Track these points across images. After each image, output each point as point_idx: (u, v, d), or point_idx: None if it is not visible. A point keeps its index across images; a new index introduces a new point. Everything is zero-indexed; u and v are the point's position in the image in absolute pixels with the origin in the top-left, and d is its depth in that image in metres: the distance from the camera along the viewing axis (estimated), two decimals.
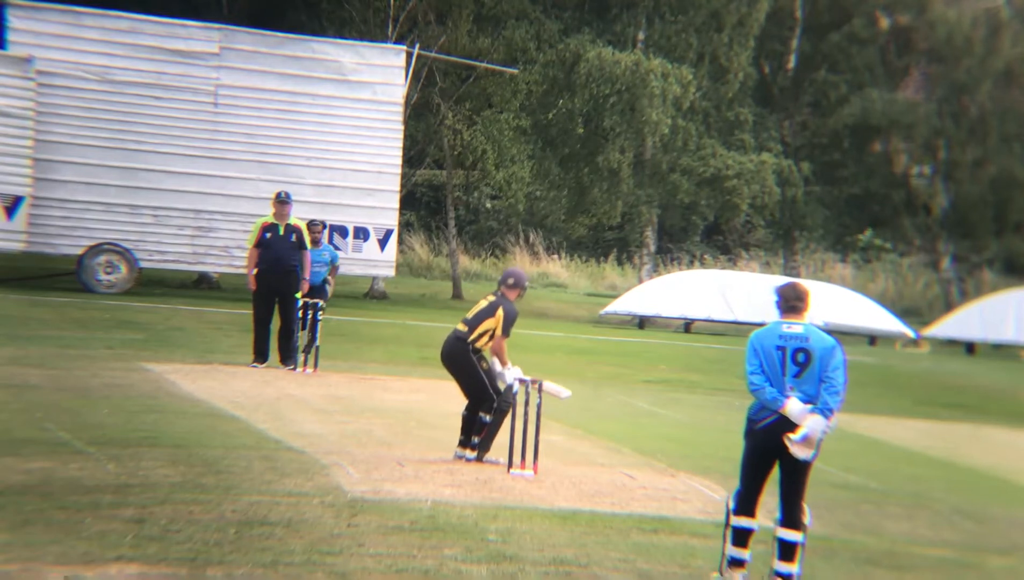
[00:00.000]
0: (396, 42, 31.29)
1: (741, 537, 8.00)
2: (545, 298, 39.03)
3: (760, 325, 8.11)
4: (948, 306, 41.28)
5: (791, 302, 8.15)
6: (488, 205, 48.86)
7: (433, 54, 31.99)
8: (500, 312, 11.08)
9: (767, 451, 7.99)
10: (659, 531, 9.18)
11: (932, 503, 11.89)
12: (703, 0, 37.79)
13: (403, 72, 28.58)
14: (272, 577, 7.33)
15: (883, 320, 33.62)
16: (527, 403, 10.70)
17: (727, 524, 8.06)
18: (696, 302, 32.17)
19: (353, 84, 27.84)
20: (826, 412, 7.88)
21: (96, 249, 25.85)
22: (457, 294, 35.33)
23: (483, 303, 11.30)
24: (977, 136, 44.31)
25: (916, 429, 17.52)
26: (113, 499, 8.71)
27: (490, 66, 33.84)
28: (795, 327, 8.06)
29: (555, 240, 47.35)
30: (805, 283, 8.31)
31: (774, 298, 8.25)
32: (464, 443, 11.25)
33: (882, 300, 38.08)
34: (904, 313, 37.68)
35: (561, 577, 7.93)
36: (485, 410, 11.13)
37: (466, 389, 11.28)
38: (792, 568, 7.98)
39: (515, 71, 34.36)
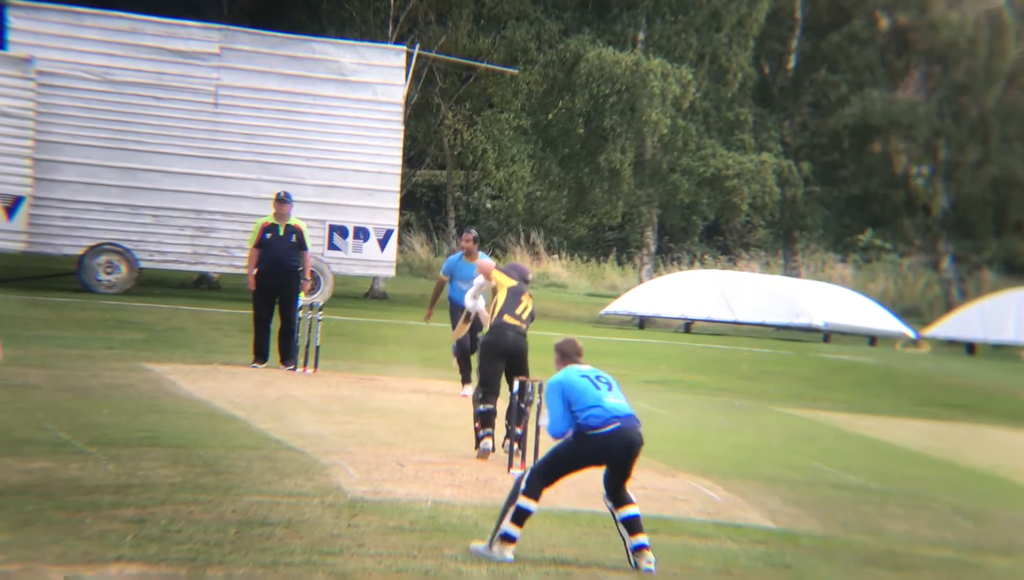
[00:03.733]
0: (396, 42, 31.28)
1: (522, 517, 8.23)
2: (545, 298, 38.98)
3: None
4: (948, 306, 41.20)
5: (572, 357, 8.74)
6: (488, 205, 48.82)
7: (433, 54, 31.97)
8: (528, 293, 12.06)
9: (592, 458, 8.37)
10: (659, 531, 9.16)
11: (932, 503, 11.89)
12: (703, 0, 37.79)
13: (403, 72, 28.56)
14: (272, 577, 7.33)
15: (883, 320, 33.58)
16: (527, 403, 10.71)
17: (512, 501, 8.25)
18: (696, 302, 32.12)
19: (353, 84, 27.81)
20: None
21: (96, 249, 25.82)
22: None
23: (524, 299, 12.09)
24: (978, 136, 44.26)
25: (916, 429, 17.51)
26: (113, 499, 8.72)
27: (490, 66, 33.83)
28: (586, 366, 8.67)
29: (555, 240, 47.32)
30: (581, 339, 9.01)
31: (555, 355, 8.79)
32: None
33: (882, 300, 38.02)
34: (904, 313, 37.63)
35: (561, 577, 7.94)
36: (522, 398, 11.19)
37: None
38: (645, 538, 8.32)
39: (515, 71, 34.34)
